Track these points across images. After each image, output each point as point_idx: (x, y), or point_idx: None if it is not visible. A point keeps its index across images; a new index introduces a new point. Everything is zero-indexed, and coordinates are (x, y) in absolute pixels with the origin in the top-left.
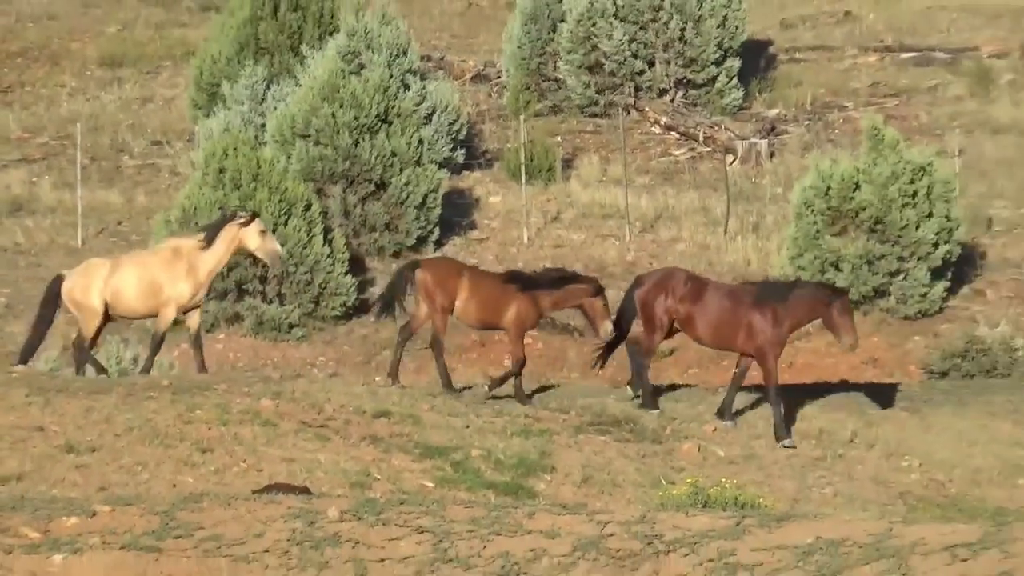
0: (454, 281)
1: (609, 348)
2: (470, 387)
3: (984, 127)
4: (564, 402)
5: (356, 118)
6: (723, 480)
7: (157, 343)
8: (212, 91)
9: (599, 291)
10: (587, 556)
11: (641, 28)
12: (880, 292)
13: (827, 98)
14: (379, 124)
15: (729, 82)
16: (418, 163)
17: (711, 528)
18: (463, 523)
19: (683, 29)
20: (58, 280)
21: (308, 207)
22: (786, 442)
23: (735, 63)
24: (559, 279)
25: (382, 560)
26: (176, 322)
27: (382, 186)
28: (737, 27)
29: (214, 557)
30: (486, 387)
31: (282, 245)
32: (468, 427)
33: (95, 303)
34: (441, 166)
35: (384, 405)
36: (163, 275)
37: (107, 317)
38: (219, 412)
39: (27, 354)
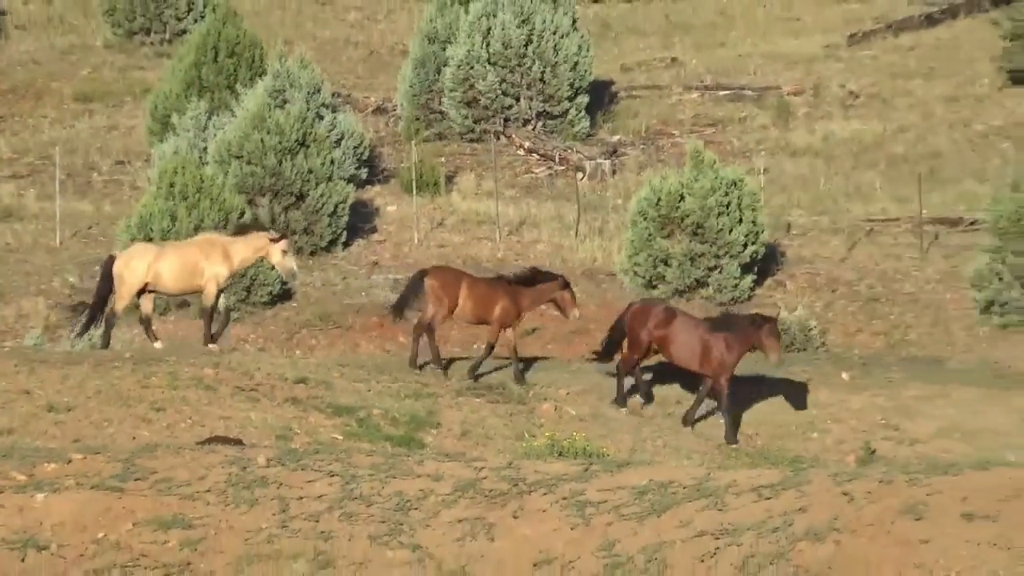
0: (456, 286)
1: (602, 356)
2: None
3: (784, 150)
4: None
5: (280, 142)
6: (574, 434)
7: (209, 315)
8: (164, 121)
9: (566, 285)
10: (466, 495)
11: (509, 71)
12: (701, 283)
13: (658, 127)
14: (298, 147)
15: (579, 114)
16: (330, 179)
17: (565, 472)
18: (366, 468)
19: (543, 72)
20: (111, 259)
21: (242, 214)
22: (734, 445)
23: (584, 99)
24: (533, 278)
25: (301, 498)
26: (136, 307)
27: (301, 197)
28: (586, 70)
29: (166, 495)
30: (470, 376)
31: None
32: (370, 391)
33: (137, 281)
34: (348, 181)
35: (302, 373)
36: (203, 260)
37: (141, 293)
38: (170, 379)
39: (85, 328)
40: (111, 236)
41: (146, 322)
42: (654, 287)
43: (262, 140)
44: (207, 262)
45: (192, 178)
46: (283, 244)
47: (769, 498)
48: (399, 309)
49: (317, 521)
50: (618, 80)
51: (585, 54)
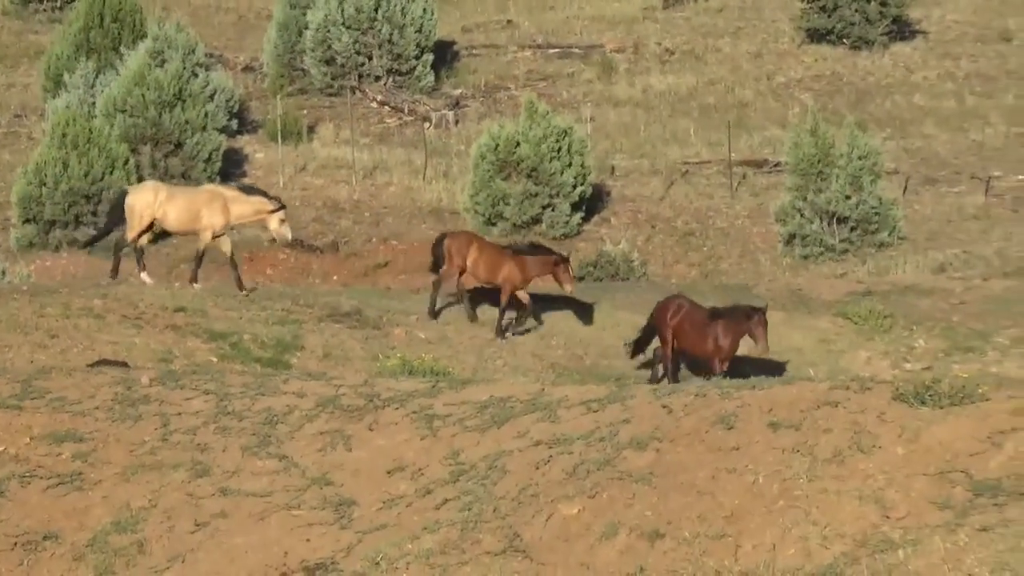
0: (466, 249)
1: (639, 346)
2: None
3: (608, 102)
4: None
5: (159, 97)
6: (423, 355)
7: (199, 257)
8: (57, 80)
9: (565, 260)
10: (326, 409)
11: (362, 33)
12: (536, 220)
13: (496, 82)
14: (176, 101)
15: (425, 70)
16: (204, 129)
17: (415, 389)
18: (238, 387)
19: (392, 33)
20: (123, 193)
21: (126, 162)
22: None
23: (429, 57)
24: (536, 249)
25: (180, 414)
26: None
27: (179, 146)
28: (430, 32)
29: (60, 412)
30: (498, 338)
31: (106, 189)
32: (241, 318)
33: (146, 215)
34: (220, 132)
35: (181, 303)
36: (204, 208)
37: (150, 228)
38: (63, 309)
39: (94, 241)
40: (9, 182)
41: (139, 254)
42: (494, 224)
43: (143, 95)
44: (207, 210)
45: (82, 130)
46: (281, 213)
47: (597, 411)
48: (435, 269)
49: (194, 435)
50: (459, 40)
51: (430, 17)
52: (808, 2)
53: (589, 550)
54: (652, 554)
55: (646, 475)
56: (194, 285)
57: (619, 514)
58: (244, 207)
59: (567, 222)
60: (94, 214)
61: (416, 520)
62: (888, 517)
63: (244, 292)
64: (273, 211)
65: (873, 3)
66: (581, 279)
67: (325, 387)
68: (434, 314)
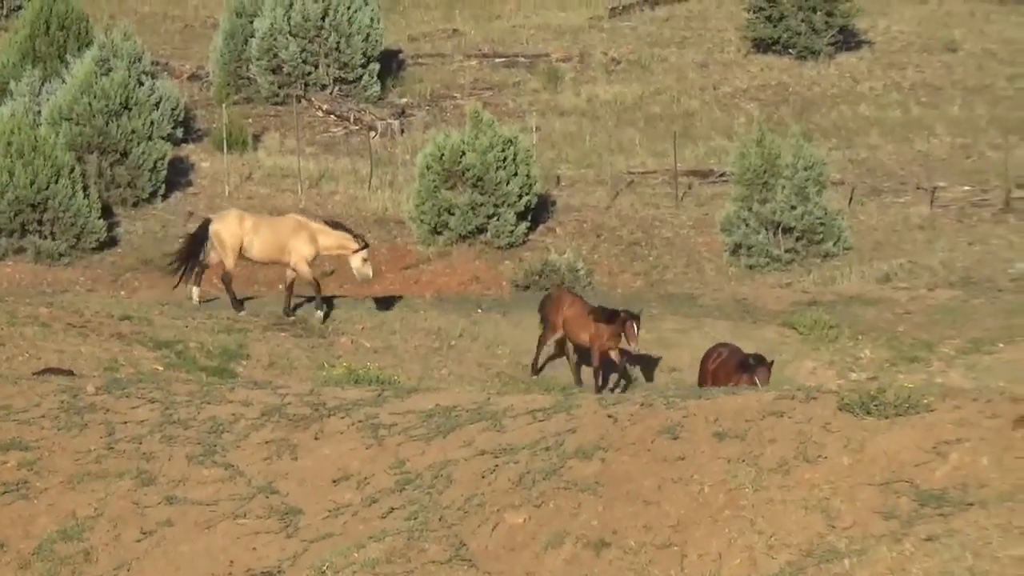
0: (559, 310)
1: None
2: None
3: (554, 111)
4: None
5: (105, 106)
6: (369, 364)
7: (290, 288)
8: (2, 88)
9: (634, 317)
10: (272, 418)
11: (308, 41)
12: (480, 230)
13: (442, 91)
14: (122, 110)
15: (371, 79)
16: (150, 138)
17: (360, 398)
18: (184, 396)
19: (338, 42)
20: (207, 221)
21: (72, 170)
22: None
23: (376, 66)
24: (612, 314)
25: (125, 422)
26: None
27: (125, 154)
28: (377, 40)
29: (4, 421)
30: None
31: (52, 198)
32: (187, 327)
33: (237, 242)
34: (166, 140)
35: (127, 311)
36: (291, 239)
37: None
38: (9, 317)
39: (177, 270)
40: None
41: (199, 273)
42: (439, 233)
43: (89, 104)
44: (295, 241)
45: (27, 138)
46: (364, 253)
47: (543, 420)
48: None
49: (140, 443)
50: (406, 49)
51: (376, 26)
52: (754, 12)
53: (535, 559)
54: (598, 563)
55: (592, 484)
56: (289, 318)
57: (565, 523)
58: (329, 240)
59: (512, 231)
60: (39, 222)
61: (362, 529)
62: (834, 527)
63: (291, 317)
64: (356, 250)
65: (819, 13)
66: (527, 288)
67: (271, 396)
68: (537, 371)
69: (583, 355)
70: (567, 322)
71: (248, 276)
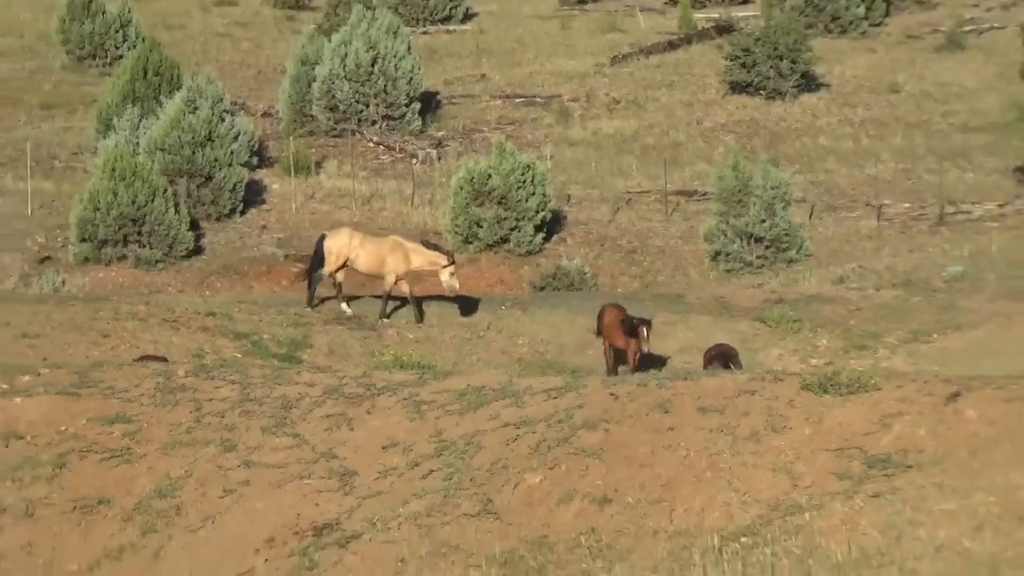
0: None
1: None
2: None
3: (565, 142)
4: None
5: (193, 138)
6: (411, 352)
7: (387, 297)
8: (108, 123)
9: (645, 323)
10: (332, 397)
11: (361, 84)
12: (504, 240)
13: (472, 125)
14: (206, 141)
15: (413, 116)
16: (230, 165)
17: (405, 380)
18: (258, 378)
19: (386, 85)
20: (323, 236)
21: (165, 191)
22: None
23: (417, 105)
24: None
25: (210, 400)
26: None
27: (209, 178)
28: (418, 84)
29: (111, 399)
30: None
31: (149, 214)
32: (261, 321)
33: (341, 255)
34: (243, 166)
35: (211, 308)
36: (389, 256)
37: (344, 266)
38: (113, 313)
39: (307, 277)
40: (69, 207)
41: (338, 288)
42: (470, 243)
43: (179, 136)
44: (392, 257)
45: (128, 164)
46: (451, 268)
47: (556, 398)
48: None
49: (222, 417)
50: (442, 91)
51: (417, 72)
52: (731, 60)
53: (549, 513)
54: (602, 516)
55: (597, 451)
56: (383, 320)
57: (574, 483)
58: (421, 258)
59: (531, 241)
60: (138, 234)
61: (406, 488)
62: (796, 485)
63: (387, 319)
64: (444, 266)
65: (785, 61)
66: (543, 289)
67: (330, 378)
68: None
69: (619, 355)
70: (605, 328)
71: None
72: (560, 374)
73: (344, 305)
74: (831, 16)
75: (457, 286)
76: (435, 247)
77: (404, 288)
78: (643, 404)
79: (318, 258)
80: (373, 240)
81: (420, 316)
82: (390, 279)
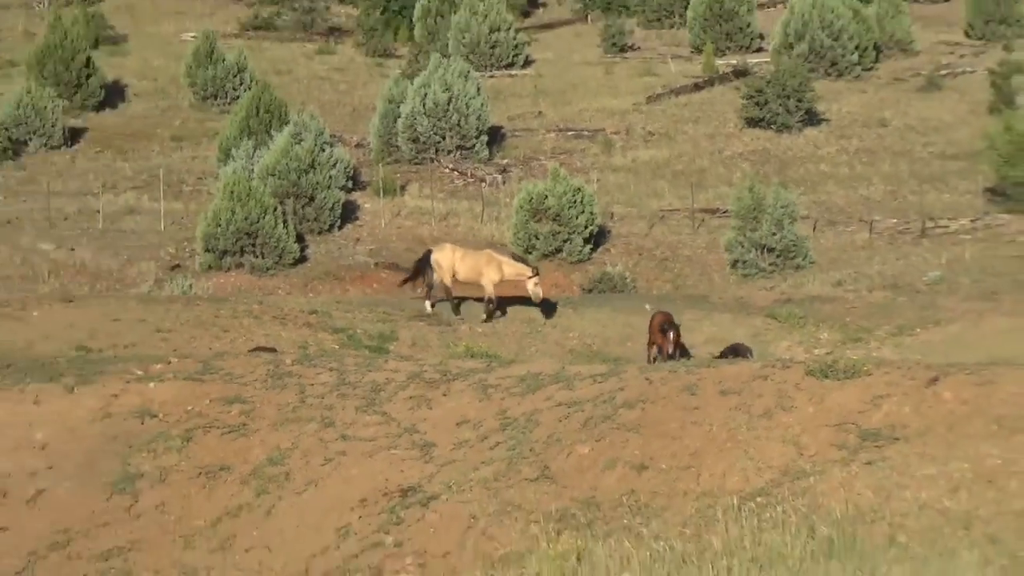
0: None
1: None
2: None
3: (608, 168)
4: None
5: (298, 165)
6: (480, 344)
7: (488, 301)
8: (227, 153)
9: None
10: (414, 381)
11: (438, 120)
12: (558, 250)
13: (530, 154)
14: (310, 168)
15: (482, 146)
16: (328, 187)
17: (475, 367)
18: (353, 366)
19: (459, 120)
20: (428, 251)
21: (275, 210)
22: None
23: (485, 137)
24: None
25: (313, 384)
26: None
27: (312, 199)
28: (485, 119)
29: (229, 383)
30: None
31: (261, 229)
32: (355, 318)
33: (448, 268)
34: (340, 189)
35: (313, 307)
36: (485, 268)
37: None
38: (232, 311)
39: (407, 282)
40: (194, 223)
41: (428, 289)
42: (529, 253)
43: (287, 164)
44: (487, 269)
45: (244, 187)
46: (536, 279)
47: (601, 382)
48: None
49: (323, 398)
50: (505, 125)
51: (484, 109)
52: (746, 99)
53: (596, 477)
54: (639, 480)
55: (635, 426)
56: (489, 321)
57: (617, 452)
58: (511, 269)
59: (580, 251)
60: (253, 246)
61: (476, 457)
62: (802, 455)
63: (489, 321)
64: (530, 276)
65: (792, 99)
66: (591, 291)
67: (413, 366)
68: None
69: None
70: (651, 330)
71: (397, 283)
72: (605, 363)
73: (428, 304)
74: (830, 62)
75: (540, 293)
76: (522, 260)
77: (489, 289)
78: (673, 387)
79: (422, 268)
80: (471, 254)
81: (491, 315)
82: (489, 288)
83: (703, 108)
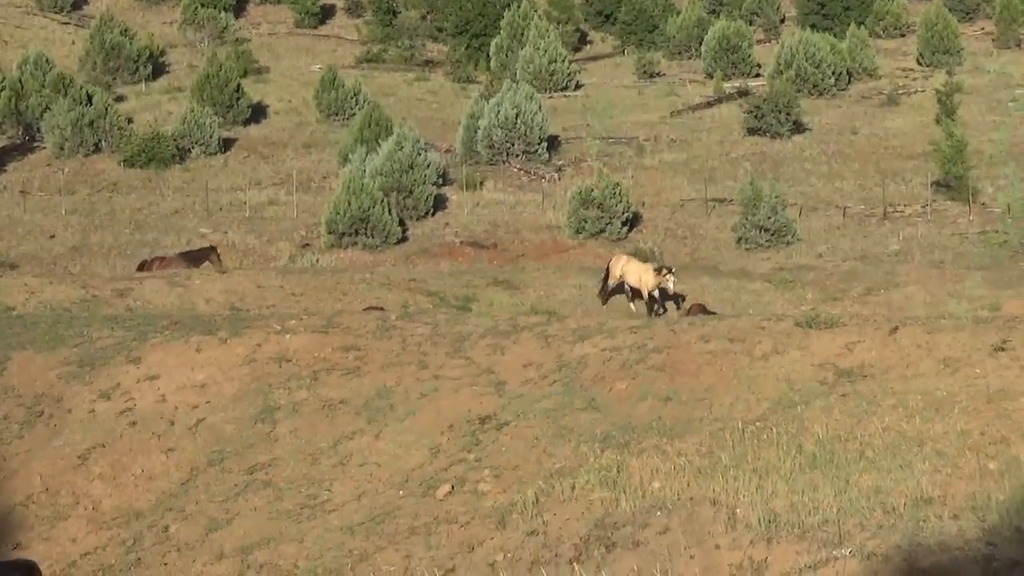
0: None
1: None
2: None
3: (641, 167)
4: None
5: (401, 166)
6: (542, 304)
7: (649, 300)
8: (345, 157)
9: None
10: (490, 332)
11: (509, 131)
12: (602, 231)
13: (581, 158)
14: (409, 169)
15: (543, 151)
16: (424, 183)
17: (538, 322)
18: (444, 321)
19: (525, 131)
20: (610, 262)
21: (382, 201)
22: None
23: (545, 144)
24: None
25: (412, 335)
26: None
27: (411, 192)
28: (545, 130)
29: (347, 335)
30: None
31: (371, 216)
32: (445, 284)
33: (617, 274)
34: (433, 185)
35: (413, 276)
36: (644, 274)
37: (619, 281)
38: (350, 279)
39: (603, 291)
40: (320, 212)
41: (603, 286)
42: (579, 233)
43: (391, 165)
44: (645, 276)
45: (358, 184)
46: (672, 276)
47: (635, 332)
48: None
49: (420, 346)
50: (561, 135)
51: (545, 123)
52: (748, 113)
53: (632, 407)
54: (666, 409)
55: (662, 367)
56: (657, 315)
57: (648, 388)
58: (660, 276)
59: (619, 232)
60: (364, 229)
61: (538, 392)
62: (792, 389)
63: (649, 318)
64: (669, 276)
65: (783, 113)
66: None
67: (489, 321)
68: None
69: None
70: (625, 274)
71: (477, 256)
72: (638, 318)
73: (600, 300)
74: (813, 84)
75: (674, 288)
76: (665, 267)
77: (645, 291)
78: (691, 337)
79: (607, 272)
80: (635, 263)
81: (651, 310)
82: (646, 290)
83: (714, 121)
